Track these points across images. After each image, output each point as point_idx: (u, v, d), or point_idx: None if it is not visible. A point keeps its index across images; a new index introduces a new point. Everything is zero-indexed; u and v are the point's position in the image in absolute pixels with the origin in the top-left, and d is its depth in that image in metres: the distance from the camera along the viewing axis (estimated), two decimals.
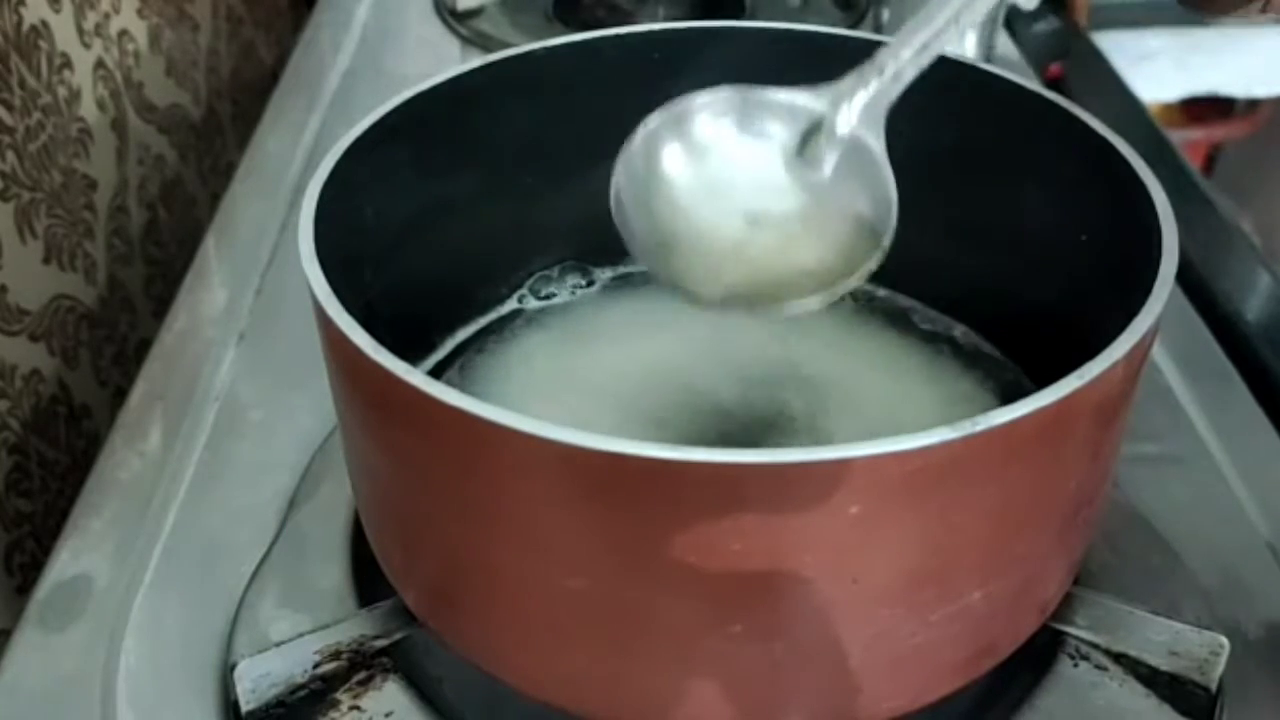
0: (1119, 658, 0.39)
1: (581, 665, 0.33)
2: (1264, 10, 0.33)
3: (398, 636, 0.39)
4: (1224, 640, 0.38)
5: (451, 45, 0.84)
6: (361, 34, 0.85)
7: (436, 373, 0.46)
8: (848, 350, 0.47)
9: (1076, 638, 0.39)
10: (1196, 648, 0.38)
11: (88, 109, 0.65)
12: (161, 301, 0.74)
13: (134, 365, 0.60)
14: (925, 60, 0.34)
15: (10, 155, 0.56)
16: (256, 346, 0.56)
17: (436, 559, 0.35)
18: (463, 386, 0.45)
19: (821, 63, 0.36)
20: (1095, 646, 0.39)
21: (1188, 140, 1.07)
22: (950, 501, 0.29)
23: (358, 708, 0.38)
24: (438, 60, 0.82)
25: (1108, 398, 0.31)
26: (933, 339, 0.47)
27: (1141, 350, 0.31)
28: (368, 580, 0.42)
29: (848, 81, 0.35)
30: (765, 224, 0.36)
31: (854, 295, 0.49)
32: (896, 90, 0.35)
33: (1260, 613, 0.42)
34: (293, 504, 0.47)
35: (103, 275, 0.66)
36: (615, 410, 0.43)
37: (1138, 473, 0.47)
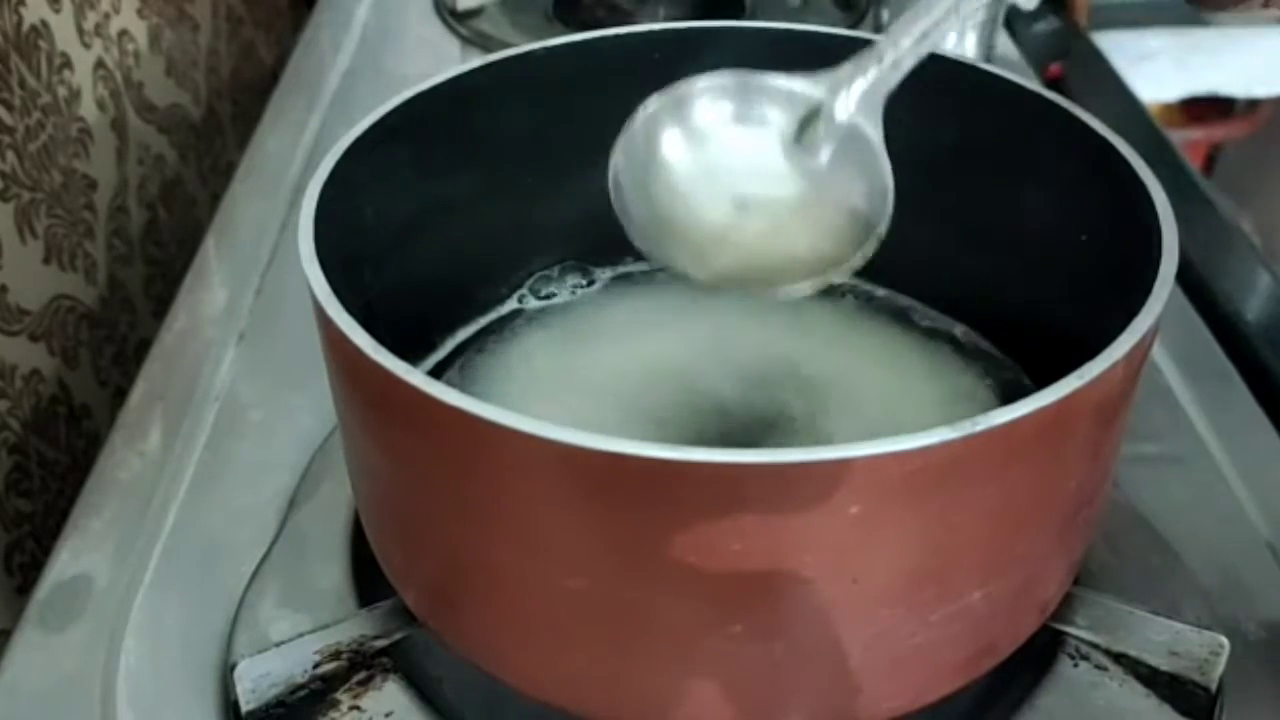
0: (1119, 658, 0.39)
1: (581, 665, 0.33)
2: (1265, 6, 0.33)
3: (398, 636, 0.39)
4: (1224, 640, 0.38)
5: (451, 45, 0.84)
6: (361, 34, 0.85)
7: (436, 373, 0.46)
8: (848, 350, 0.47)
9: (1076, 638, 0.39)
10: (1196, 648, 0.38)
11: (88, 109, 0.65)
12: (161, 301, 0.74)
13: (134, 365, 0.60)
14: (924, 50, 0.35)
15: (10, 155, 0.56)
16: (256, 346, 0.56)
17: (436, 559, 0.35)
18: (463, 386, 0.45)
19: (821, 63, 0.36)
20: (1095, 646, 0.39)
21: (1188, 140, 1.07)
22: (950, 501, 0.29)
23: (358, 708, 0.38)
24: (438, 60, 0.82)
25: (1108, 398, 0.31)
26: (933, 338, 0.47)
27: (1141, 350, 0.31)
28: (368, 580, 0.42)
29: (846, 69, 0.35)
30: (761, 209, 0.36)
31: (854, 294, 0.49)
32: (895, 79, 0.35)
33: (1260, 613, 0.42)
34: (293, 504, 0.47)
35: (103, 275, 0.66)
36: (615, 410, 0.43)
37: (1138, 473, 0.47)
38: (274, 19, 1.01)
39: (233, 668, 0.38)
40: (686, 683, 0.32)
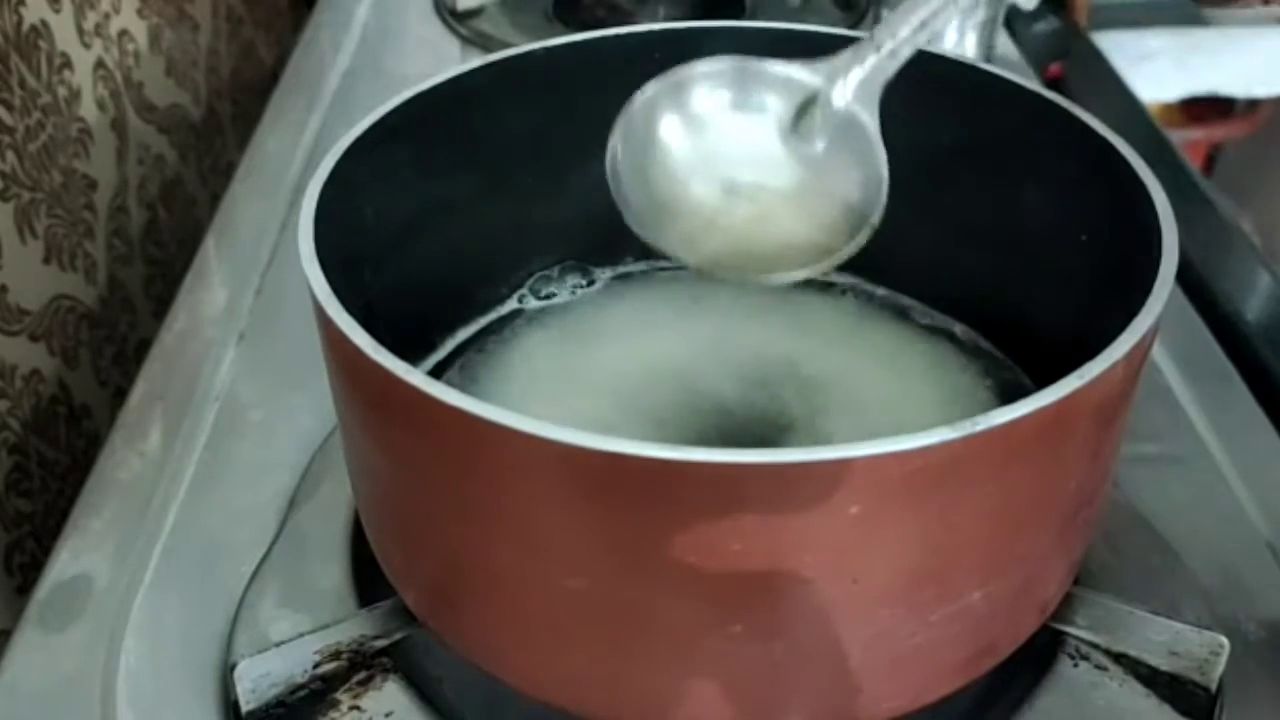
0: (1119, 658, 0.39)
1: (581, 665, 0.33)
2: (1266, 3, 0.34)
3: (398, 636, 0.39)
4: (1224, 640, 0.38)
5: (451, 45, 0.84)
6: (361, 34, 0.85)
7: (436, 373, 0.46)
8: (848, 350, 0.47)
9: (1076, 638, 0.39)
10: (1196, 648, 0.38)
11: (88, 109, 0.65)
12: (161, 301, 0.74)
13: (134, 365, 0.60)
14: (921, 40, 0.35)
15: (10, 155, 0.56)
16: (256, 346, 0.56)
17: (436, 559, 0.35)
18: (462, 386, 0.45)
19: None
20: (1095, 646, 0.39)
21: (1188, 140, 1.07)
22: (950, 501, 0.29)
23: (358, 708, 0.38)
24: (438, 60, 0.82)
25: (1108, 398, 0.31)
26: (933, 338, 0.47)
27: (1141, 350, 0.31)
28: (368, 580, 0.42)
29: (845, 57, 0.35)
30: (756, 196, 0.36)
31: (854, 294, 0.49)
32: (893, 68, 0.35)
33: (1260, 613, 0.42)
34: (293, 504, 0.47)
35: (103, 275, 0.66)
36: (615, 410, 0.43)
37: (1138, 473, 0.47)
38: (274, 19, 1.01)
39: (233, 668, 0.38)
40: (686, 683, 0.32)
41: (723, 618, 0.30)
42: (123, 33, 0.71)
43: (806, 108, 0.36)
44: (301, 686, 0.38)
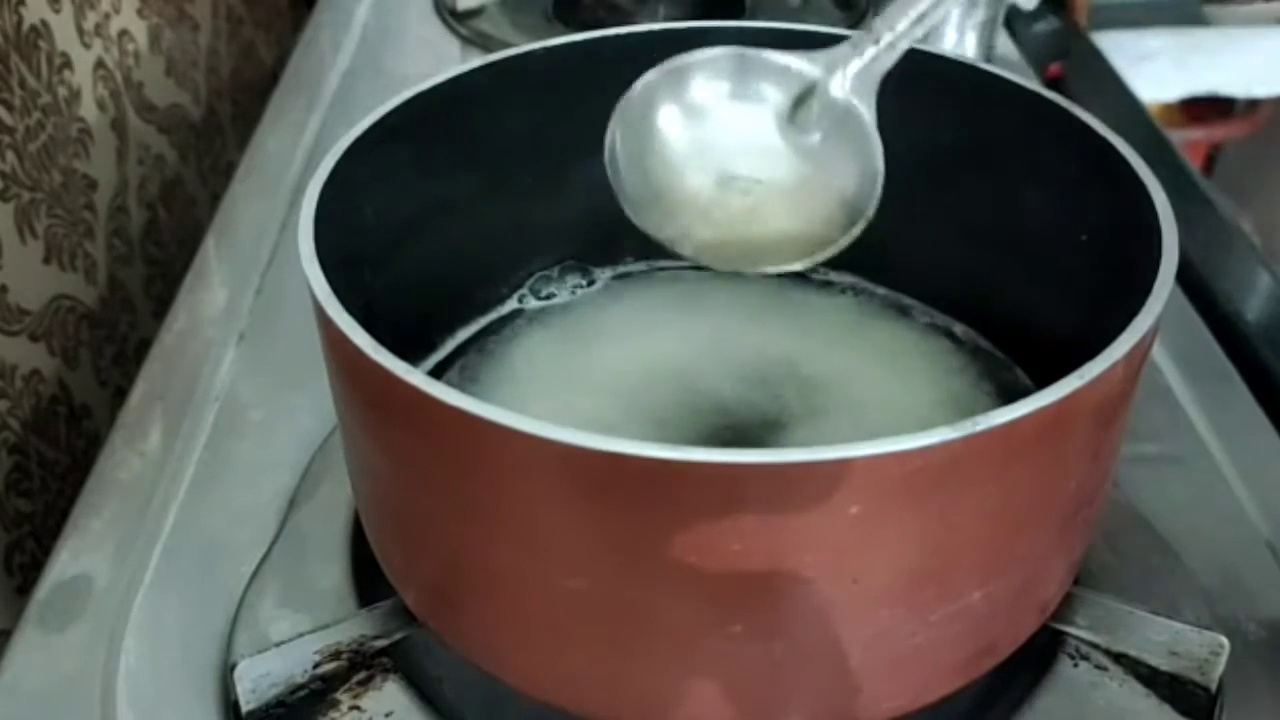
0: (1119, 658, 0.39)
1: (581, 665, 0.33)
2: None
3: (398, 636, 0.39)
4: (1224, 640, 0.38)
5: (451, 45, 0.84)
6: (361, 34, 0.85)
7: (437, 373, 0.46)
8: (848, 349, 0.47)
9: (1076, 638, 0.39)
10: (1196, 648, 0.38)
11: (88, 109, 0.65)
12: (161, 301, 0.74)
13: (134, 365, 0.60)
14: (920, 32, 0.35)
15: (10, 155, 0.56)
16: (256, 346, 0.56)
17: (436, 559, 0.35)
18: (462, 387, 0.45)
19: None
20: (1095, 646, 0.39)
21: (1188, 140, 1.07)
22: (950, 501, 0.29)
23: (358, 708, 0.38)
24: (438, 60, 0.82)
25: (1108, 398, 0.31)
26: (933, 338, 0.47)
27: (1141, 350, 0.31)
28: (368, 580, 0.42)
29: (843, 48, 0.35)
30: (752, 188, 0.36)
31: (854, 293, 0.49)
32: (890, 59, 0.35)
33: (1260, 613, 0.42)
34: (293, 504, 0.47)
35: (103, 275, 0.66)
36: (615, 410, 0.43)
37: (1138, 473, 0.47)
38: (274, 19, 1.01)
39: (233, 668, 0.38)
40: (686, 683, 0.32)
41: (723, 618, 0.30)
42: (123, 33, 0.71)
43: (804, 98, 0.36)
44: (301, 686, 0.38)
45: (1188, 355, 0.55)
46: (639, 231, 0.39)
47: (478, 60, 0.43)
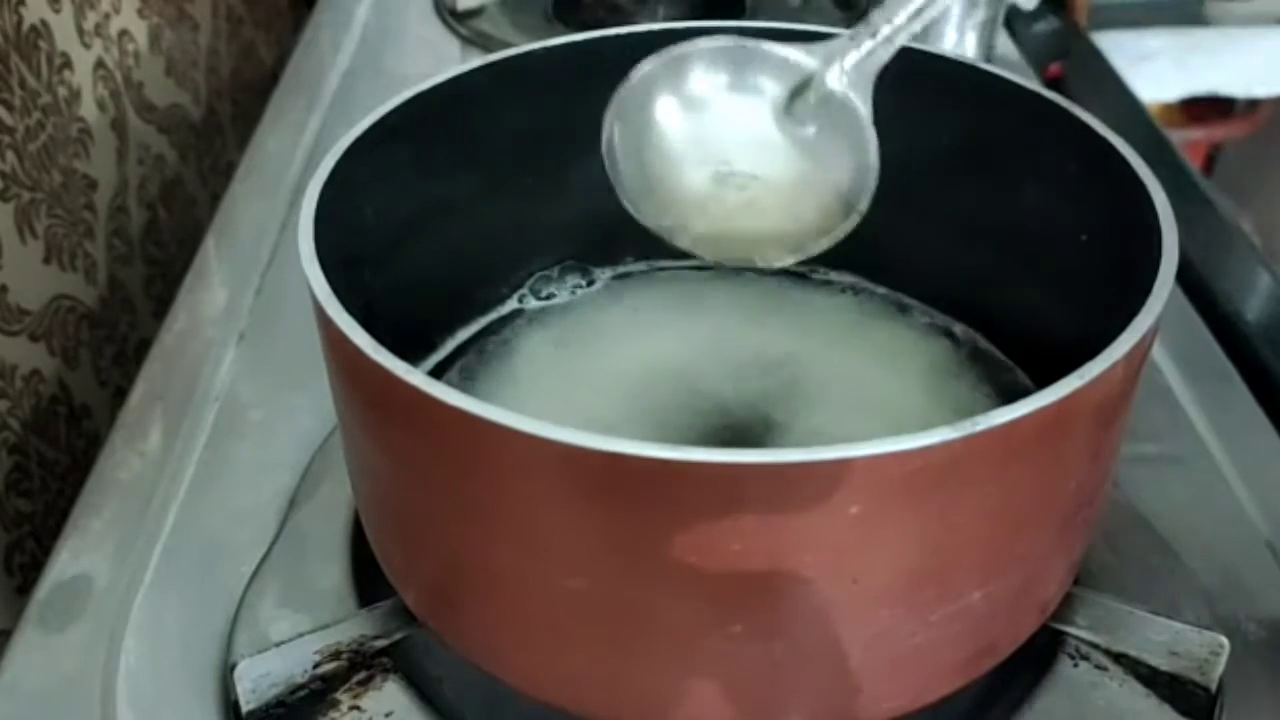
0: (1119, 658, 0.39)
1: (581, 665, 0.33)
2: None
3: (398, 636, 0.39)
4: (1224, 640, 0.38)
5: (451, 45, 0.84)
6: (361, 34, 0.85)
7: (437, 373, 0.46)
8: (848, 350, 0.47)
9: (1076, 638, 0.39)
10: (1196, 648, 0.38)
11: (88, 109, 0.65)
12: (161, 301, 0.74)
13: (134, 365, 0.60)
14: (918, 26, 0.35)
15: (10, 155, 0.56)
16: (256, 346, 0.56)
17: (436, 559, 0.35)
18: (462, 387, 0.45)
19: None
20: (1095, 646, 0.39)
21: (1188, 140, 1.07)
22: (950, 501, 0.29)
23: (358, 708, 0.38)
24: (438, 60, 0.82)
25: (1108, 398, 0.31)
26: (932, 338, 0.47)
27: (1141, 350, 0.31)
28: (368, 580, 0.42)
29: (841, 41, 0.35)
30: (749, 181, 0.37)
31: (854, 293, 0.49)
32: (888, 53, 0.35)
33: (1260, 613, 0.42)
34: (293, 504, 0.47)
35: (103, 275, 0.66)
36: (615, 410, 0.43)
37: (1138, 473, 0.47)
38: (274, 19, 1.01)
39: (233, 668, 0.38)
40: (686, 683, 0.32)
41: (723, 618, 0.30)
42: (123, 33, 0.71)
43: (800, 90, 0.36)
44: (301, 686, 0.38)
45: (1188, 355, 0.55)
46: (639, 231, 0.39)
47: (478, 60, 0.43)
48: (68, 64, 0.63)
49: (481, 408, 0.28)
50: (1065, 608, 0.39)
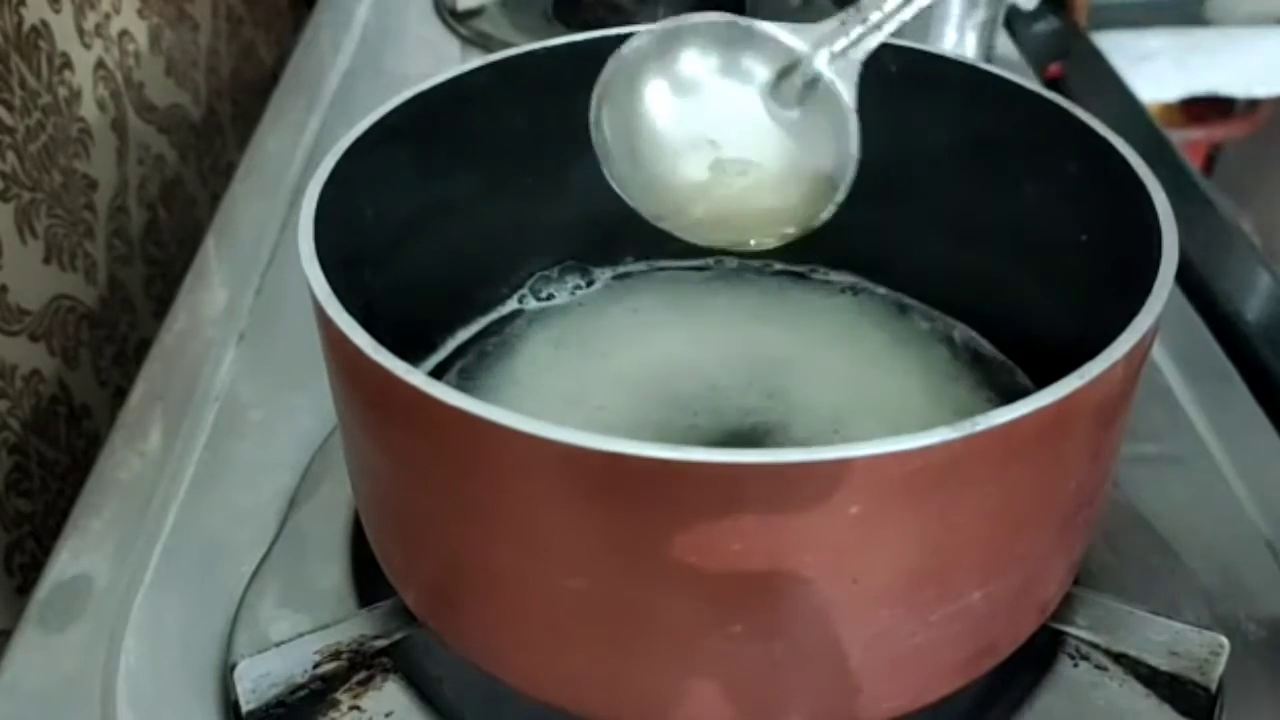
0: (1119, 658, 0.39)
1: (581, 665, 0.33)
2: None
3: (398, 636, 0.39)
4: (1224, 640, 0.38)
5: (451, 45, 0.84)
6: (361, 34, 0.85)
7: (437, 373, 0.46)
8: (848, 350, 0.47)
9: (1076, 638, 0.39)
10: (1196, 648, 0.38)
11: (88, 109, 0.65)
12: (161, 301, 0.74)
13: (134, 365, 0.60)
14: (907, 14, 0.35)
15: (10, 155, 0.56)
16: (256, 346, 0.56)
17: (436, 559, 0.35)
18: (462, 387, 0.45)
19: None
20: (1095, 646, 0.39)
21: (1188, 140, 1.07)
22: (950, 501, 0.29)
23: (358, 708, 0.38)
24: (438, 60, 0.82)
25: (1108, 398, 0.31)
26: (932, 338, 0.47)
27: (1141, 350, 0.31)
28: (368, 580, 0.42)
29: (830, 25, 0.36)
30: (731, 162, 0.37)
31: (854, 294, 0.49)
32: (876, 40, 0.35)
33: (1260, 613, 0.42)
34: (293, 504, 0.47)
35: (103, 275, 0.66)
36: (615, 410, 0.43)
37: (1138, 473, 0.47)
38: (274, 19, 1.01)
39: (233, 668, 0.38)
40: (686, 683, 0.32)
41: (723, 618, 0.30)
42: (123, 33, 0.71)
43: (787, 72, 0.36)
44: (301, 686, 0.38)
45: (1188, 355, 0.55)
46: (639, 231, 0.39)
47: (478, 60, 0.43)
48: (68, 64, 0.63)
49: (481, 408, 0.28)
50: (1065, 608, 0.39)
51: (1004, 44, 0.82)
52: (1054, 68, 0.85)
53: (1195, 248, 0.62)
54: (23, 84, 0.58)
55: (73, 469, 0.61)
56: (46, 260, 0.59)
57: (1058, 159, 0.40)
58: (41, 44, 0.60)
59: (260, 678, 0.38)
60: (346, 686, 0.38)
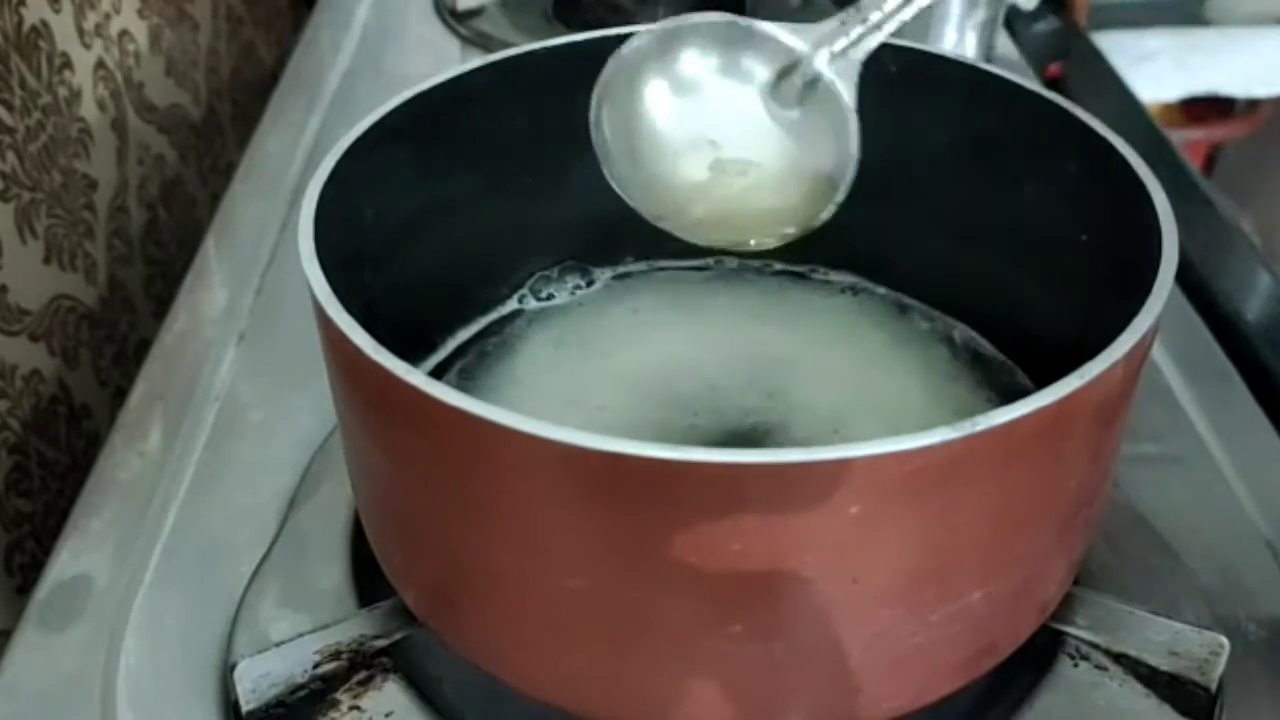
0: (1119, 658, 0.39)
1: (581, 665, 0.33)
2: None
3: (398, 636, 0.39)
4: (1224, 640, 0.38)
5: (451, 45, 0.84)
6: (361, 34, 0.85)
7: (437, 373, 0.46)
8: (848, 350, 0.47)
9: (1076, 638, 0.39)
10: (1196, 648, 0.38)
11: (88, 109, 0.65)
12: (161, 301, 0.74)
13: (134, 365, 0.60)
14: (907, 15, 0.35)
15: (10, 155, 0.56)
16: (256, 346, 0.56)
17: (436, 559, 0.35)
18: (463, 387, 0.45)
19: None
20: (1095, 646, 0.39)
21: (1188, 140, 1.07)
22: (950, 501, 0.29)
23: (358, 708, 0.38)
24: (438, 60, 0.82)
25: (1108, 398, 0.31)
26: (932, 338, 0.47)
27: (1141, 350, 0.31)
28: (368, 580, 0.42)
29: (830, 25, 0.36)
30: (731, 162, 0.37)
31: (854, 294, 0.49)
32: (876, 40, 0.35)
33: (1260, 613, 0.42)
34: (293, 504, 0.47)
35: (103, 275, 0.66)
36: (615, 410, 0.43)
37: (1138, 473, 0.47)
38: (274, 19, 1.01)
39: (233, 668, 0.38)
40: (686, 683, 0.32)
41: (723, 618, 0.30)
42: (123, 33, 0.71)
43: (787, 72, 0.36)
44: (301, 686, 0.38)
45: (1188, 355, 0.55)
46: (639, 231, 0.39)
47: (478, 60, 0.43)
48: (68, 64, 0.63)
49: (481, 408, 0.28)
50: (1065, 608, 0.39)
51: (1004, 44, 0.82)
52: (1054, 68, 0.85)
53: (1195, 248, 0.62)
54: (23, 84, 0.58)
55: (73, 469, 0.61)
56: (46, 260, 0.59)
57: (1058, 159, 0.40)
58: (41, 44, 0.60)
59: (260, 678, 0.38)
60: (346, 686, 0.38)
